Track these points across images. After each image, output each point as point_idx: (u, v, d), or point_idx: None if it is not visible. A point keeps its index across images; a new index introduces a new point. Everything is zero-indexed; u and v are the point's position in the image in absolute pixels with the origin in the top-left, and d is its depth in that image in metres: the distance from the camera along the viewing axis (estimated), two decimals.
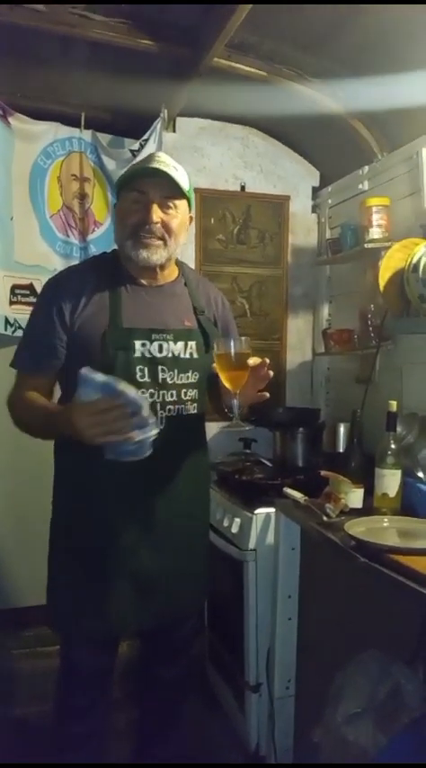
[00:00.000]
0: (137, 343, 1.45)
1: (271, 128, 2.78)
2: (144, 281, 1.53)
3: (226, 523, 2.14)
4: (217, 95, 2.41)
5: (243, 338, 1.40)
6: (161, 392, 1.47)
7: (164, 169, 1.45)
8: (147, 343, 1.47)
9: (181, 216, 1.50)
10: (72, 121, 2.56)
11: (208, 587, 1.68)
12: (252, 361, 1.35)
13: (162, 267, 1.53)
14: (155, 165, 1.46)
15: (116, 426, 1.25)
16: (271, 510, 2.00)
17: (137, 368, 1.45)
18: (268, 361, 1.36)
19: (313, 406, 2.83)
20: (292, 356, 2.92)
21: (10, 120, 2.41)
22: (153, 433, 1.28)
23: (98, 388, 1.26)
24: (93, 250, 2.60)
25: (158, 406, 1.46)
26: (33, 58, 2.22)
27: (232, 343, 1.36)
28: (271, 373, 1.37)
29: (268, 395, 1.42)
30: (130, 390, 1.26)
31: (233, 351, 1.35)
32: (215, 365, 1.40)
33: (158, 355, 1.47)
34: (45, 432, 1.46)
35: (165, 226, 1.46)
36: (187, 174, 1.53)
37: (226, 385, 1.38)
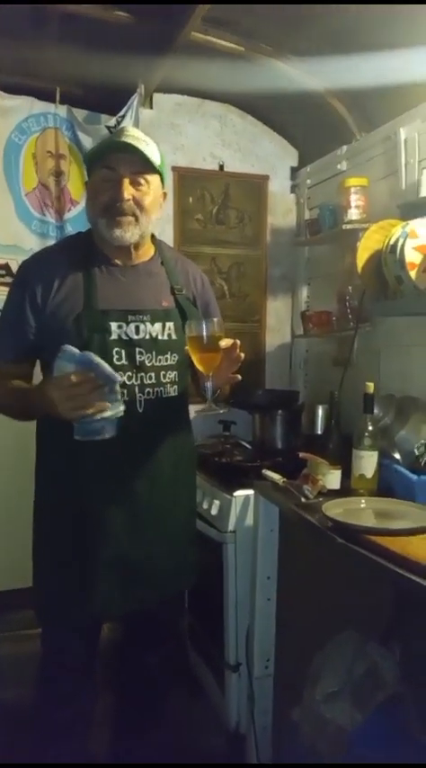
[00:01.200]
0: (114, 325, 1.43)
1: (250, 106, 2.74)
2: (118, 261, 1.50)
3: (205, 505, 2.14)
4: (194, 71, 2.37)
5: (215, 319, 1.38)
6: (139, 375, 1.45)
7: (134, 143, 1.41)
8: (124, 324, 1.44)
9: (153, 192, 1.46)
10: (47, 96, 2.50)
11: (194, 570, 1.66)
12: (224, 342, 1.33)
13: (136, 246, 1.50)
14: (125, 139, 1.42)
15: (89, 399, 1.24)
16: (250, 492, 2.00)
17: (114, 350, 1.42)
18: (239, 342, 1.35)
19: (292, 389, 2.84)
20: (271, 338, 2.92)
21: None
22: (120, 409, 1.29)
23: (74, 361, 1.26)
24: (70, 229, 2.55)
25: (136, 389, 1.44)
26: (5, 31, 2.14)
27: (204, 325, 1.34)
28: (242, 355, 1.36)
29: (239, 377, 1.41)
30: (105, 365, 1.25)
31: (204, 333, 1.33)
32: (187, 347, 1.39)
33: (135, 337, 1.45)
34: (23, 410, 1.44)
35: (137, 202, 1.43)
36: (162, 150, 1.49)
37: (199, 367, 1.37)
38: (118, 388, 1.28)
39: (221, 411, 1.42)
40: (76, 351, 1.26)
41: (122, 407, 1.30)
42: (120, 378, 1.29)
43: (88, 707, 1.59)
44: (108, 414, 1.28)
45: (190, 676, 2.37)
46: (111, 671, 1.76)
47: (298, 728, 1.49)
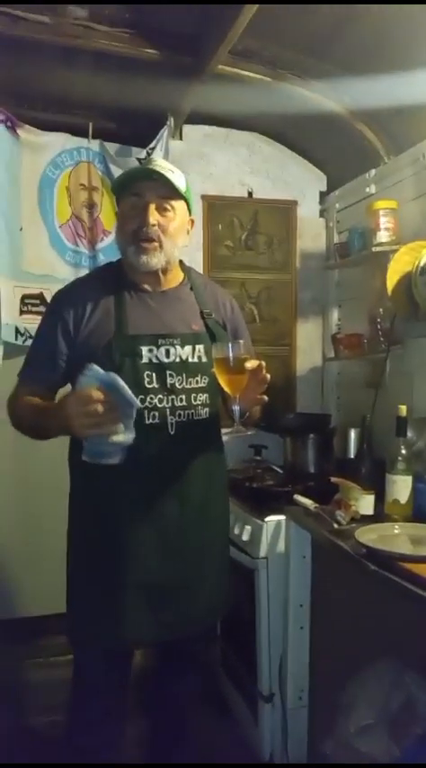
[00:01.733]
0: (144, 350, 1.45)
1: (277, 133, 2.78)
2: (148, 287, 1.53)
3: (236, 531, 2.13)
4: (222, 102, 2.42)
5: (241, 341, 1.39)
6: (170, 397, 1.46)
7: (159, 170, 1.45)
8: (154, 348, 1.46)
9: (179, 218, 1.50)
10: (80, 131, 2.58)
11: (227, 598, 1.64)
12: (250, 364, 1.33)
13: (164, 272, 1.53)
14: (150, 167, 1.48)
15: (104, 419, 1.24)
16: (282, 517, 1.98)
17: (145, 374, 1.44)
18: (264, 363, 1.35)
19: (323, 412, 2.81)
20: (302, 361, 2.91)
21: (18, 131, 2.43)
22: (130, 437, 1.29)
23: (97, 379, 1.27)
24: (102, 259, 2.61)
25: (168, 412, 1.45)
26: (38, 68, 2.23)
27: (230, 347, 1.35)
28: (268, 376, 1.36)
29: (266, 398, 1.40)
30: (127, 388, 1.26)
31: (231, 354, 1.34)
32: (213, 370, 1.39)
33: (166, 360, 1.47)
34: (41, 427, 1.44)
35: (162, 228, 1.46)
36: (191, 179, 1.54)
37: (226, 389, 1.38)
38: (133, 414, 1.27)
39: (249, 433, 1.42)
40: (101, 370, 1.27)
41: (132, 436, 1.29)
42: (139, 404, 1.29)
43: (119, 733, 1.58)
44: (119, 438, 1.28)
45: (223, 705, 2.32)
46: (144, 698, 1.75)
47: (332, 761, 1.44)
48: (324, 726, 1.62)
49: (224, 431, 1.48)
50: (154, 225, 1.46)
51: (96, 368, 1.27)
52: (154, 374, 1.45)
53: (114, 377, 1.26)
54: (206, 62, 2.06)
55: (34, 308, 2.52)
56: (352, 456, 2.28)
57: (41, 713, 2.20)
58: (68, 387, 1.53)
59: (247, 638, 2.09)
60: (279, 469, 2.46)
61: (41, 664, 2.51)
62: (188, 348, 1.50)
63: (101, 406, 1.23)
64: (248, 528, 2.09)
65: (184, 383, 1.48)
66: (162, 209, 1.47)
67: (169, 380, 1.46)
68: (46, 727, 2.12)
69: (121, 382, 1.26)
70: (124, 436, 1.29)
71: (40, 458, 2.38)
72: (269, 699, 2.00)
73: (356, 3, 1.76)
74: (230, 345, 1.36)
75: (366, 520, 1.69)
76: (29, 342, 2.43)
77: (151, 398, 1.44)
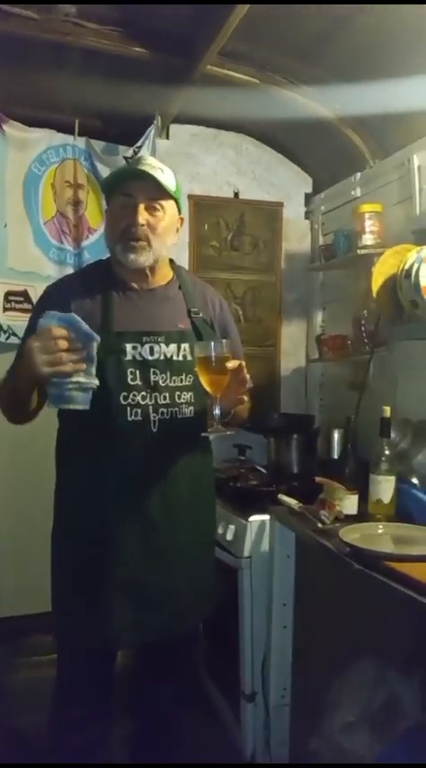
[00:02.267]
0: (128, 347, 1.45)
1: (265, 135, 2.79)
2: (135, 285, 1.54)
3: (220, 531, 2.13)
4: (210, 102, 2.42)
5: (223, 341, 1.39)
6: (153, 395, 1.46)
7: (150, 171, 1.45)
8: (138, 346, 1.46)
9: (168, 217, 1.50)
10: (66, 128, 2.57)
11: (212, 599, 1.64)
12: (231, 364, 1.34)
13: (152, 270, 1.53)
14: (141, 167, 1.47)
15: (67, 356, 1.26)
16: (266, 517, 1.99)
17: (129, 371, 1.44)
18: (244, 363, 1.37)
19: (307, 413, 2.83)
20: (286, 362, 2.92)
21: (4, 127, 2.41)
22: (94, 381, 1.31)
23: (56, 319, 1.29)
24: (87, 257, 2.60)
25: (150, 409, 1.45)
26: (26, 65, 2.22)
27: (212, 346, 1.36)
28: (248, 377, 1.38)
29: (246, 398, 1.42)
30: (85, 324, 1.28)
31: (212, 354, 1.34)
32: (195, 369, 1.40)
33: (150, 358, 1.47)
34: (13, 390, 1.43)
35: (151, 227, 1.47)
36: (179, 179, 1.53)
37: (207, 389, 1.38)
38: (94, 353, 1.29)
39: (228, 433, 1.41)
40: (60, 312, 1.30)
41: (96, 381, 1.31)
42: (98, 338, 1.30)
43: (103, 733, 1.57)
44: (81, 378, 1.29)
45: (206, 705, 2.33)
46: (127, 698, 1.74)
47: (316, 759, 1.45)
48: (307, 724, 1.63)
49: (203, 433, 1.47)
50: (143, 225, 1.46)
51: (54, 311, 1.30)
52: (137, 371, 1.45)
53: (72, 314, 1.29)
54: (195, 62, 2.07)
55: (18, 305, 2.50)
56: (336, 456, 2.30)
57: (25, 714, 2.18)
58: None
59: (230, 637, 2.10)
60: (263, 469, 2.47)
61: (25, 663, 2.49)
62: (173, 346, 1.50)
63: (61, 341, 1.25)
64: (232, 527, 2.09)
65: (168, 381, 1.48)
66: (151, 209, 1.47)
67: (153, 378, 1.46)
68: (30, 728, 2.09)
69: (78, 318, 1.28)
70: (86, 377, 1.30)
71: (27, 457, 2.36)
72: (251, 698, 2.00)
73: (348, 3, 1.77)
74: (212, 344, 1.36)
75: (349, 519, 1.70)
76: (12, 339, 2.43)
77: (134, 395, 1.44)
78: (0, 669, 2.48)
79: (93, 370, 1.31)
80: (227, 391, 1.37)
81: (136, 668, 1.74)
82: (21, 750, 2.00)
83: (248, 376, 1.38)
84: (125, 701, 1.71)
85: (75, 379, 1.29)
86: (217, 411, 1.39)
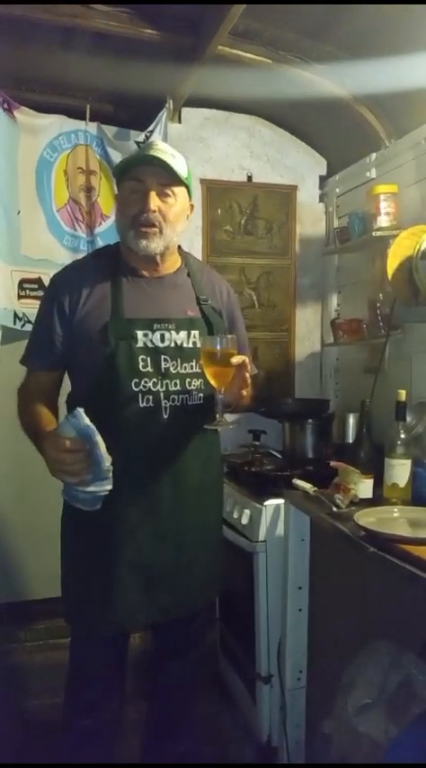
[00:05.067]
0: (139, 333, 1.46)
1: (277, 116, 2.75)
2: (145, 273, 1.53)
3: (235, 515, 2.14)
4: (222, 84, 2.39)
5: (228, 336, 1.41)
6: (164, 381, 1.46)
7: (161, 156, 1.44)
8: (149, 333, 1.47)
9: (179, 203, 1.50)
10: (77, 114, 2.55)
11: (220, 580, 1.66)
12: (235, 359, 1.35)
13: (162, 257, 1.52)
14: (152, 152, 1.46)
15: (73, 469, 1.27)
16: (281, 501, 1.99)
17: (140, 357, 1.45)
18: (248, 359, 1.38)
19: (322, 397, 2.82)
20: (301, 347, 2.91)
21: (15, 113, 2.40)
22: (106, 488, 1.31)
23: (76, 428, 1.27)
24: (100, 243, 2.59)
25: (162, 396, 1.46)
26: (36, 49, 2.21)
27: (218, 340, 1.38)
28: (248, 376, 1.39)
29: (245, 393, 1.43)
30: (102, 446, 1.27)
31: (218, 348, 1.36)
32: (201, 362, 1.41)
33: (160, 345, 1.47)
34: (35, 444, 1.46)
35: (163, 213, 1.46)
36: (191, 163, 1.53)
37: (211, 382, 1.40)
38: (107, 466, 1.28)
39: (231, 427, 1.45)
40: (85, 420, 1.27)
41: (109, 487, 1.31)
42: (108, 463, 1.29)
43: (115, 715, 1.59)
44: (91, 489, 1.30)
45: (222, 687, 2.35)
46: (142, 680, 1.76)
47: (330, 741, 1.46)
48: (323, 706, 1.64)
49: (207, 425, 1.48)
50: (154, 211, 1.45)
51: (80, 415, 1.27)
52: (148, 358, 1.46)
53: (92, 431, 1.26)
54: (206, 43, 2.04)
55: (32, 293, 2.50)
56: (351, 441, 2.29)
57: (41, 695, 2.22)
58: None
59: (246, 620, 2.11)
60: (277, 454, 2.46)
61: (41, 646, 2.53)
62: (183, 333, 1.50)
63: (71, 456, 1.26)
64: (247, 512, 2.10)
65: (179, 368, 1.49)
66: (163, 195, 1.47)
67: (163, 365, 1.47)
68: (46, 710, 2.13)
69: (98, 438, 1.26)
70: (96, 488, 1.30)
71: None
72: (267, 680, 2.02)
73: (348, 2, 1.75)
74: (218, 339, 1.38)
75: (364, 503, 1.69)
76: (27, 326, 2.43)
77: (145, 382, 1.44)
78: (15, 653, 2.51)
79: (105, 481, 1.30)
80: (231, 385, 1.39)
81: (149, 650, 1.76)
82: (37, 732, 2.03)
83: (248, 376, 1.39)
84: (139, 683, 1.74)
85: (83, 489, 1.31)
86: (220, 404, 1.41)
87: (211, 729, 2.03)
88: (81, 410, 1.27)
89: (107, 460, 1.28)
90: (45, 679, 2.27)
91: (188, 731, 1.72)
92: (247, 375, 1.38)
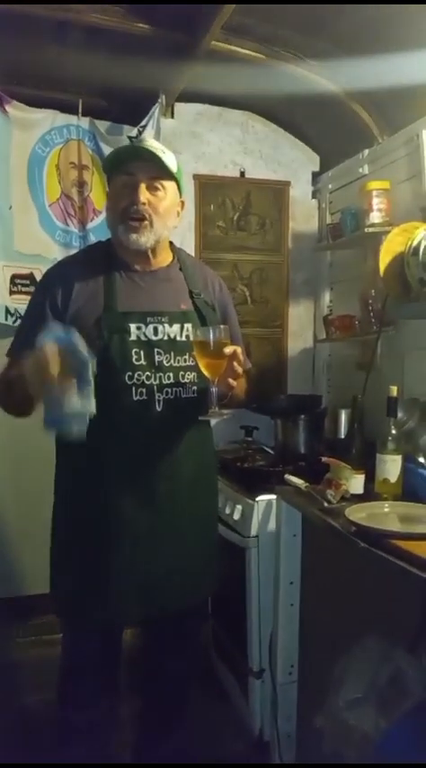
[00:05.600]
0: (133, 327, 1.46)
1: (271, 112, 2.75)
2: (137, 267, 1.53)
3: (227, 510, 2.14)
4: (215, 79, 2.38)
5: (221, 326, 1.41)
6: (158, 375, 1.46)
7: (151, 149, 1.45)
8: (142, 326, 1.47)
9: (169, 198, 1.50)
10: (70, 109, 2.54)
11: (215, 576, 1.66)
12: (228, 349, 1.36)
13: (154, 252, 1.52)
14: (142, 145, 1.48)
15: (57, 377, 1.22)
16: (273, 497, 1.99)
17: (133, 351, 1.45)
18: (240, 350, 1.38)
19: (314, 393, 2.83)
20: (293, 343, 2.91)
21: (7, 107, 2.39)
22: (89, 408, 1.25)
23: (54, 337, 1.24)
24: (93, 238, 2.58)
25: (155, 389, 1.46)
26: (29, 43, 2.19)
27: (210, 331, 1.38)
28: (240, 369, 1.39)
29: (235, 383, 1.42)
30: (83, 347, 1.23)
31: (211, 339, 1.37)
32: (194, 353, 1.42)
33: (154, 338, 1.47)
34: (13, 393, 1.42)
35: (153, 207, 1.46)
36: (183, 158, 1.53)
37: (205, 373, 1.40)
38: (89, 377, 1.24)
39: (225, 416, 1.43)
40: (61, 330, 1.24)
41: (92, 408, 1.25)
42: (92, 358, 1.25)
43: (108, 710, 1.59)
44: (75, 404, 1.24)
45: (214, 682, 2.36)
46: (136, 675, 1.77)
47: (322, 735, 1.47)
48: (314, 700, 1.64)
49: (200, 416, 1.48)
50: (144, 203, 1.45)
51: (56, 328, 1.25)
52: (142, 351, 1.46)
53: (72, 334, 1.23)
54: (199, 38, 2.03)
55: (24, 288, 2.50)
56: (343, 436, 2.29)
57: (34, 692, 2.22)
58: None
59: (238, 615, 2.12)
60: (270, 450, 2.47)
61: (33, 642, 2.53)
62: (176, 326, 1.50)
63: (53, 363, 1.21)
64: (239, 507, 2.10)
65: (172, 361, 1.49)
66: (153, 189, 1.47)
67: (157, 358, 1.47)
68: (39, 706, 2.13)
69: (76, 340, 1.23)
70: (81, 404, 1.24)
71: (29, 437, 2.37)
72: (259, 675, 2.03)
73: (346, 3, 1.74)
74: (211, 330, 1.39)
75: (356, 499, 1.70)
76: (19, 322, 2.42)
77: (139, 375, 1.44)
78: (7, 648, 2.51)
79: (91, 397, 1.25)
80: (223, 376, 1.39)
81: (142, 646, 1.76)
82: (30, 728, 2.03)
83: (240, 368, 1.39)
84: (132, 679, 1.74)
85: (67, 403, 1.23)
86: (214, 394, 1.41)
87: (203, 724, 2.03)
88: (53, 324, 1.25)
89: (91, 361, 1.24)
90: (38, 675, 2.27)
91: (180, 726, 1.73)
92: (236, 365, 1.38)
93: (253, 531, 2.02)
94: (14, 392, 1.40)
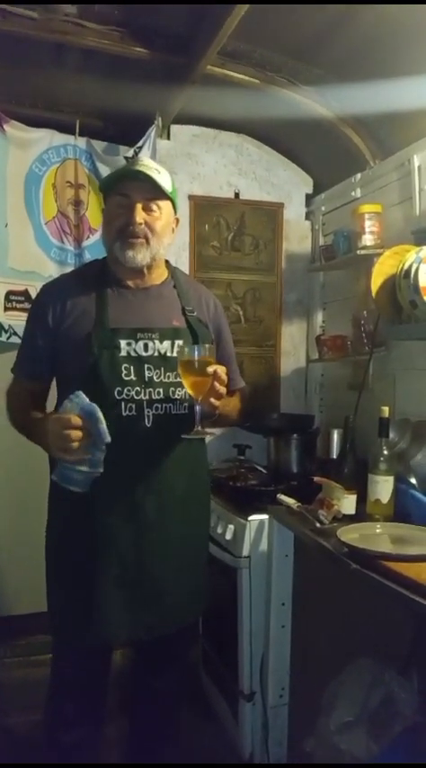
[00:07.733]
0: (123, 342, 1.47)
1: (265, 135, 2.79)
2: (130, 284, 1.55)
3: (219, 530, 2.13)
4: (211, 103, 2.42)
5: (206, 345, 1.44)
6: (147, 390, 1.47)
7: (146, 171, 1.47)
8: (133, 342, 1.48)
9: (165, 217, 1.52)
10: (67, 128, 2.57)
11: (205, 597, 1.65)
12: (210, 368, 1.37)
13: (149, 269, 1.54)
14: (137, 167, 1.50)
15: (75, 446, 1.32)
16: (265, 516, 1.99)
17: (123, 366, 1.46)
18: (222, 369, 1.40)
19: (307, 413, 2.83)
20: (286, 362, 2.92)
21: (5, 127, 2.41)
22: (98, 470, 1.38)
23: (79, 407, 1.34)
24: (88, 256, 2.60)
25: (144, 404, 1.46)
26: (27, 64, 2.22)
27: (195, 350, 1.40)
28: (223, 389, 1.41)
29: (218, 403, 1.44)
30: (103, 423, 1.33)
31: (195, 357, 1.39)
32: (179, 371, 1.43)
33: (144, 354, 1.48)
34: (28, 434, 1.51)
35: (149, 226, 1.49)
36: (179, 179, 1.55)
37: (189, 391, 1.42)
38: (103, 448, 1.34)
39: (208, 436, 1.50)
40: (86, 399, 1.34)
41: (100, 471, 1.37)
42: (108, 439, 1.34)
43: (96, 731, 1.57)
44: (85, 468, 1.36)
45: (204, 704, 2.33)
46: (125, 696, 1.75)
47: (313, 759, 1.45)
48: (305, 723, 1.63)
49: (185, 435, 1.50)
50: (141, 223, 1.48)
51: (82, 396, 1.34)
52: (131, 367, 1.47)
53: (95, 408, 1.33)
54: (195, 62, 2.07)
55: (19, 305, 2.51)
56: (335, 456, 2.30)
57: (21, 713, 2.18)
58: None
59: (229, 636, 2.10)
60: (262, 469, 2.47)
61: (20, 663, 2.49)
62: (166, 343, 1.51)
63: (75, 432, 1.30)
64: (231, 527, 2.09)
65: (162, 377, 1.50)
66: (148, 209, 1.50)
67: (147, 374, 1.48)
68: (25, 727, 2.10)
69: (100, 415, 1.33)
70: (91, 468, 1.36)
71: (23, 455, 2.36)
72: (250, 697, 2.00)
73: (352, 3, 1.77)
74: (196, 348, 1.40)
75: (348, 519, 1.70)
76: (13, 338, 2.43)
77: (128, 390, 1.45)
78: None
79: (101, 462, 1.37)
80: (206, 395, 1.41)
81: (132, 666, 1.74)
82: (17, 750, 2.00)
83: (223, 389, 1.41)
84: (122, 700, 1.72)
85: (79, 468, 1.37)
86: (198, 413, 1.43)
87: (193, 746, 2.01)
88: (80, 392, 1.34)
89: (107, 436, 1.33)
90: (24, 696, 2.24)
91: (169, 748, 1.71)
92: (217, 386, 1.39)
93: (245, 552, 2.01)
94: (28, 430, 1.50)
